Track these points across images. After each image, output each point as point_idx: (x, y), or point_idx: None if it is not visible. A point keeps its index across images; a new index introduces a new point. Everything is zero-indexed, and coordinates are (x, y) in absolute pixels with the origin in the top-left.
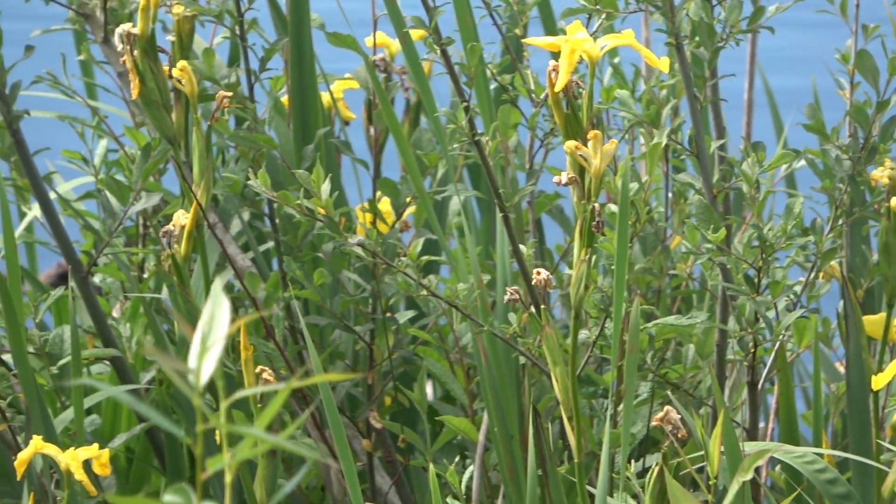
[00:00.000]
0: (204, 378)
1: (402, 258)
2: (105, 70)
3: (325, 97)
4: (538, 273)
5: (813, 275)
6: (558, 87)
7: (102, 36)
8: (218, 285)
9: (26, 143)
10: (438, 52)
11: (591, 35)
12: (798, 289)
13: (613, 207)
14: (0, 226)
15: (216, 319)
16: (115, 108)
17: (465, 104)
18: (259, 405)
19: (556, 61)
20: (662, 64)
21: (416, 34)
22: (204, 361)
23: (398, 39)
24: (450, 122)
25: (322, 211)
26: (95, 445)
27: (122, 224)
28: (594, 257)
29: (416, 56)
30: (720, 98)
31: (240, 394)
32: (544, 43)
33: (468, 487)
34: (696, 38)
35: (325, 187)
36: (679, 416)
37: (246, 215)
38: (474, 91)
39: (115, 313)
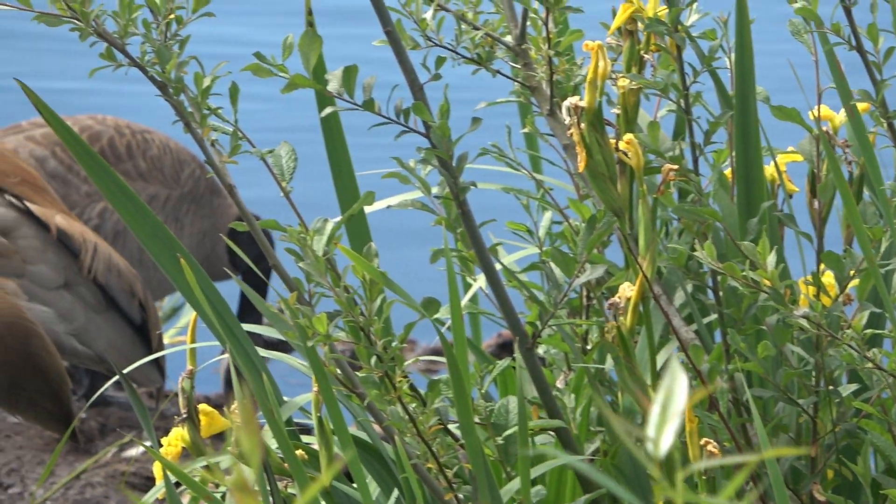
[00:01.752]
0: (663, 448)
1: (847, 331)
2: (549, 143)
3: (768, 170)
4: None
5: None
6: None
7: (548, 108)
8: (675, 360)
9: (472, 215)
10: (885, 125)
11: None
12: None
13: None
14: (448, 296)
15: (673, 391)
16: (559, 181)
17: None
18: (703, 476)
19: None
20: None
21: (861, 107)
22: (663, 432)
23: (843, 112)
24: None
25: (767, 283)
26: None
27: (567, 296)
28: None
29: (863, 128)
30: None
31: (694, 466)
32: None
33: None
34: None
35: (771, 259)
36: None
37: (689, 287)
38: None
39: (559, 384)
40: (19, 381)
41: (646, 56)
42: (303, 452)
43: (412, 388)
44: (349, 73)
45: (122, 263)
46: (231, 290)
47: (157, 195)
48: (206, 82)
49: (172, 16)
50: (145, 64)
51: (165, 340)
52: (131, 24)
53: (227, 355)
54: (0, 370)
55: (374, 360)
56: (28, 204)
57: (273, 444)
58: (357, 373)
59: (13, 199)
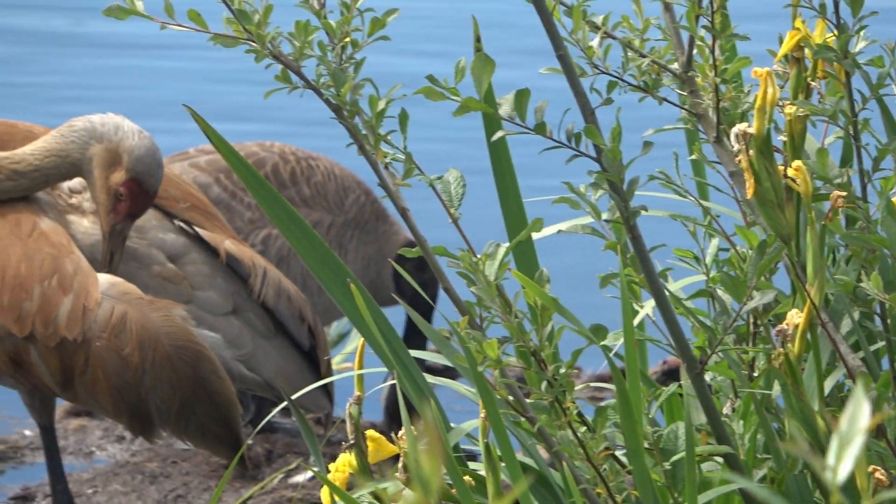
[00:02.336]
0: (841, 475)
1: None
2: (716, 169)
3: None
4: None
5: None
6: None
7: (715, 135)
8: (859, 389)
9: (643, 240)
10: None
11: None
12: None
13: None
14: (613, 322)
15: (856, 418)
16: (726, 208)
17: None
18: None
19: None
20: None
21: None
22: (843, 459)
23: None
24: None
25: None
26: None
27: (735, 322)
28: None
29: None
30: None
31: (882, 496)
32: None
33: None
34: None
35: None
36: None
37: (856, 314)
38: None
39: (726, 410)
40: (189, 405)
41: (812, 83)
42: (470, 479)
43: (579, 414)
44: (521, 97)
45: (292, 288)
46: (396, 316)
47: (321, 221)
48: (381, 105)
49: (348, 39)
50: (320, 86)
51: (332, 366)
52: (307, 46)
53: (389, 382)
54: (170, 393)
55: (544, 385)
56: (197, 229)
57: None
58: (526, 398)
59: (183, 225)
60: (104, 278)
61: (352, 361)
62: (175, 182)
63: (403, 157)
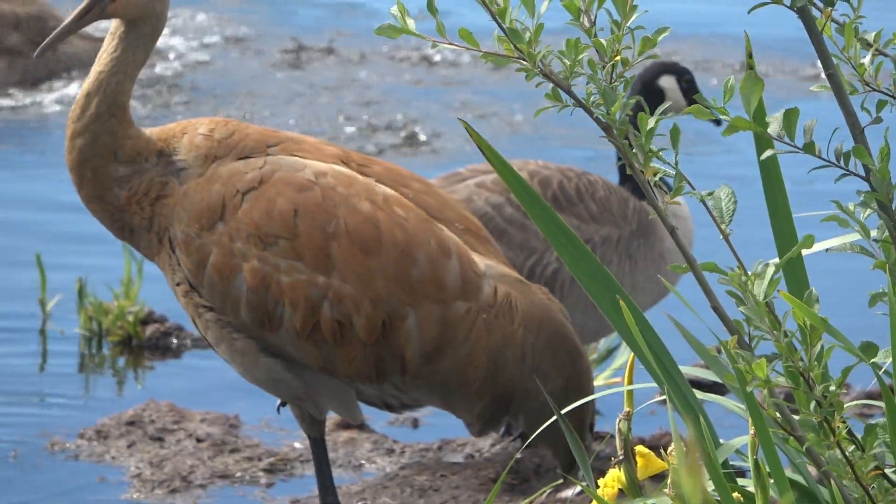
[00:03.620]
0: None
1: None
2: None
3: None
4: None
5: None
6: None
7: None
8: None
9: None
10: None
11: None
12: None
13: None
14: (885, 339)
15: None
16: None
17: None
18: None
19: None
20: None
21: None
22: None
23: None
24: None
25: None
26: None
27: None
28: None
29: None
30: None
31: None
32: None
33: None
34: None
35: None
36: None
37: None
38: None
39: None
40: (556, 396)
41: None
42: (739, 495)
43: (848, 432)
44: (790, 116)
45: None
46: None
47: (610, 236)
48: (651, 123)
49: (618, 57)
50: (590, 105)
51: (601, 381)
52: (577, 64)
53: (662, 397)
54: (543, 381)
55: (813, 405)
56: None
57: (709, 486)
58: (794, 416)
59: None
60: (479, 258)
61: (620, 376)
62: (451, 205)
63: (673, 174)
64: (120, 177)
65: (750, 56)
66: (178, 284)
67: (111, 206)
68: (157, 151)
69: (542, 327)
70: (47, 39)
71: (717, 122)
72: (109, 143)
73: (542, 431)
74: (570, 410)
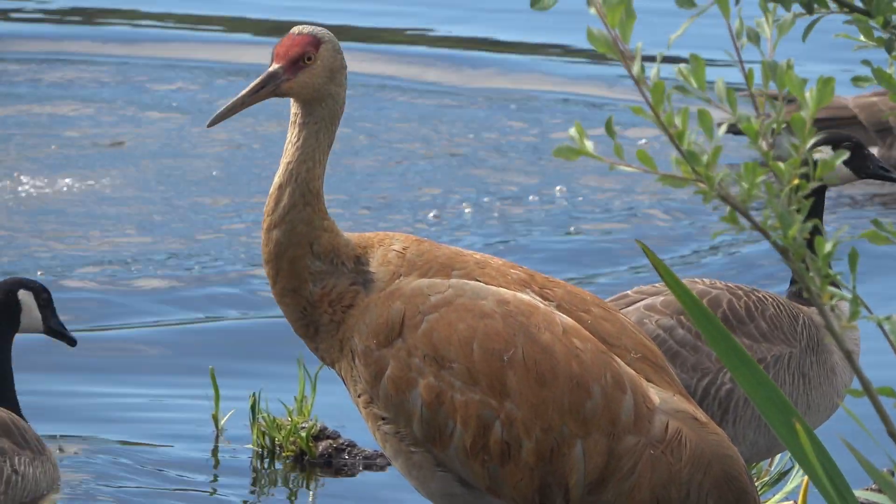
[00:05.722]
0: None
1: None
2: None
3: None
4: None
5: None
6: None
7: None
8: None
9: None
10: None
11: None
12: None
13: None
14: None
15: None
16: None
17: None
18: None
19: None
20: None
21: None
22: None
23: None
24: None
25: None
26: None
27: None
28: None
29: None
30: None
31: None
32: None
33: None
34: None
35: None
36: None
37: None
38: None
39: None
40: None
41: None
42: None
43: None
44: None
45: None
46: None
47: (782, 355)
48: (828, 247)
49: (796, 181)
50: (767, 228)
51: None
52: (755, 187)
53: None
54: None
55: None
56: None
57: None
58: None
59: None
60: (654, 391)
61: (793, 500)
62: (629, 331)
63: (850, 298)
64: (316, 272)
65: None
66: (359, 396)
67: (304, 300)
68: (355, 258)
69: (710, 466)
70: (220, 110)
71: None
72: (306, 233)
73: None
74: None
